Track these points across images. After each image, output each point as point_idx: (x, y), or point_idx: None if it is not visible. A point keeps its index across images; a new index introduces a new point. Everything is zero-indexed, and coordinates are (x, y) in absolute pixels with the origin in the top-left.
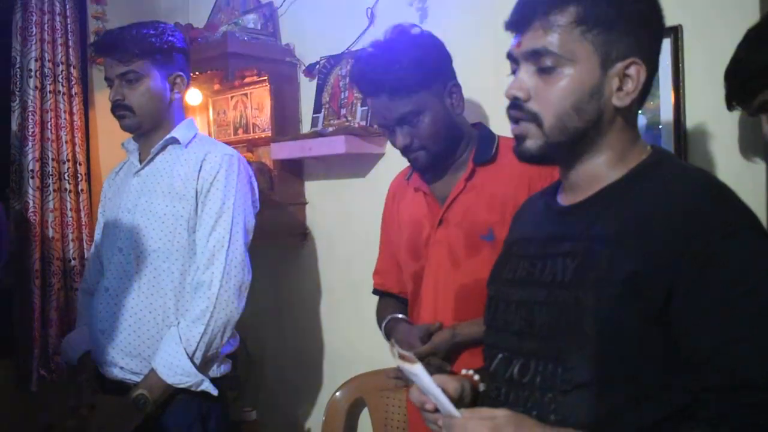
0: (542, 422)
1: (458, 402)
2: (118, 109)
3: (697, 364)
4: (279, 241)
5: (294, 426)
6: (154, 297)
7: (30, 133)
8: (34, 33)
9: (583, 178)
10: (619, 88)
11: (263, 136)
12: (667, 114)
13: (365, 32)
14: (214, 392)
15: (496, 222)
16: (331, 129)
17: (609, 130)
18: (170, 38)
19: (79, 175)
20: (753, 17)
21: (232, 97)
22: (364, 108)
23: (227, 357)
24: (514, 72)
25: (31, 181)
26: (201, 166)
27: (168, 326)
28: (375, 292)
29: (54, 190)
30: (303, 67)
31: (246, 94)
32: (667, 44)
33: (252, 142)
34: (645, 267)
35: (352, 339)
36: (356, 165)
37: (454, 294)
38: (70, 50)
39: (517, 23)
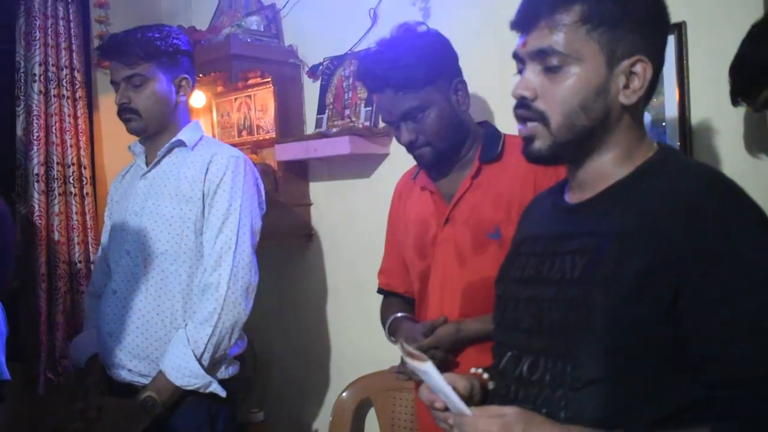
0: (552, 419)
1: (468, 400)
2: (125, 112)
3: (706, 360)
4: (284, 242)
5: (301, 427)
6: (162, 299)
7: (35, 137)
8: (38, 37)
9: (591, 176)
10: (626, 86)
11: (267, 137)
12: (671, 111)
13: (368, 33)
14: (223, 394)
15: (502, 220)
16: (335, 130)
17: (616, 128)
18: (175, 41)
19: (84, 178)
20: (757, 13)
21: (235, 99)
22: (368, 108)
23: (235, 359)
24: (520, 71)
25: (36, 185)
26: (207, 169)
27: (176, 328)
28: (380, 291)
29: (59, 194)
30: (306, 69)
31: (249, 96)
32: (671, 41)
33: (256, 143)
34: (653, 264)
35: (358, 339)
36: (361, 165)
37: (460, 292)
38: (74, 54)
39: (523, 23)
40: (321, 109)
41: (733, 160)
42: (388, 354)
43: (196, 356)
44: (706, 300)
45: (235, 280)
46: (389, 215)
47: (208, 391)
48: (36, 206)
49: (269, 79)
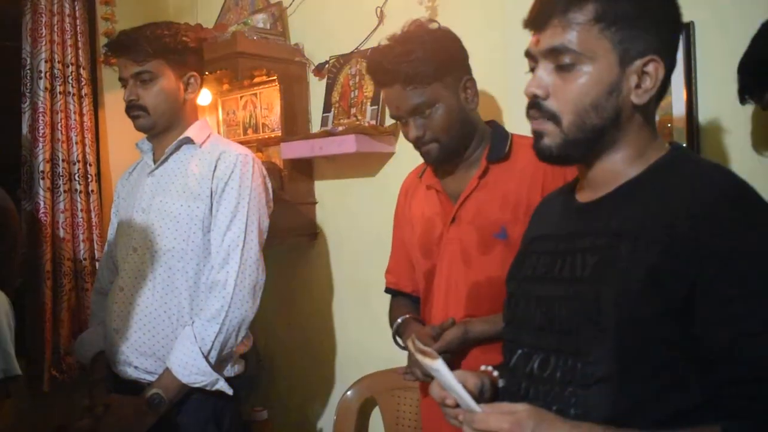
0: (562, 416)
1: (478, 397)
2: (133, 109)
3: (718, 357)
4: (289, 240)
5: (305, 425)
6: (169, 296)
7: (40, 134)
8: (43, 34)
9: (602, 176)
10: (638, 86)
11: (273, 135)
12: (679, 110)
13: (374, 31)
14: (229, 392)
15: (508, 220)
16: (341, 128)
17: (627, 128)
18: (184, 38)
19: (89, 175)
20: (766, 13)
21: (241, 97)
22: (374, 107)
23: (240, 357)
24: (532, 70)
25: (41, 182)
26: (216, 166)
27: (182, 325)
28: (388, 291)
29: (64, 191)
30: (312, 67)
31: (255, 94)
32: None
33: (262, 141)
34: (665, 262)
35: (363, 338)
36: (366, 164)
37: (465, 292)
38: (80, 51)
39: (536, 21)
40: (327, 107)
41: (741, 160)
42: (392, 353)
43: (203, 353)
44: (718, 298)
45: (243, 278)
46: (395, 214)
47: (215, 388)
48: (41, 203)
49: (275, 77)
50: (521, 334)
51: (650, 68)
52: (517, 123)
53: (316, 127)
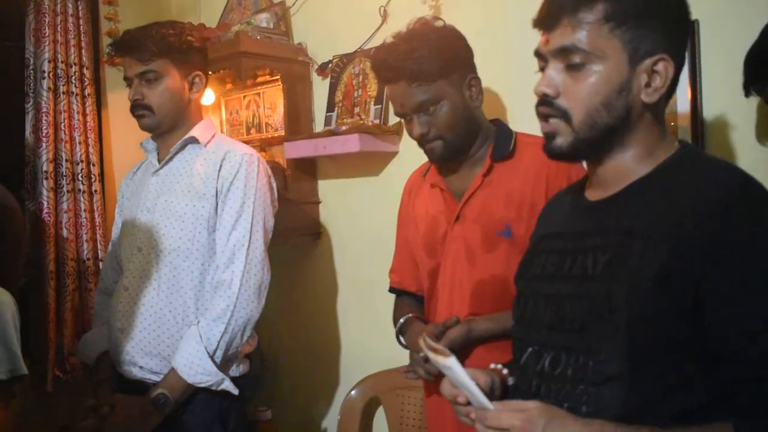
0: (574, 414)
1: (488, 395)
2: (138, 108)
3: (729, 356)
4: (293, 240)
5: (309, 425)
6: (174, 296)
7: (44, 134)
8: (47, 34)
9: (612, 174)
10: (648, 84)
11: (276, 135)
12: (684, 108)
13: (378, 30)
14: (235, 391)
15: (513, 218)
16: (344, 128)
17: (637, 126)
18: (189, 38)
19: (92, 175)
20: None
21: (244, 97)
22: (377, 106)
23: (245, 356)
24: (541, 69)
25: (45, 182)
26: (221, 166)
27: (187, 325)
28: (392, 290)
29: (68, 191)
30: (316, 66)
31: (259, 94)
32: None
33: (265, 141)
34: (676, 260)
35: (367, 338)
36: (370, 163)
37: (470, 291)
38: (83, 51)
39: (545, 21)
40: (330, 106)
41: (746, 157)
42: (396, 352)
43: (208, 353)
44: (728, 296)
45: (248, 277)
46: (399, 213)
47: (220, 388)
48: (45, 203)
49: (278, 77)
50: (531, 332)
51: (660, 67)
52: (521, 121)
53: (319, 126)
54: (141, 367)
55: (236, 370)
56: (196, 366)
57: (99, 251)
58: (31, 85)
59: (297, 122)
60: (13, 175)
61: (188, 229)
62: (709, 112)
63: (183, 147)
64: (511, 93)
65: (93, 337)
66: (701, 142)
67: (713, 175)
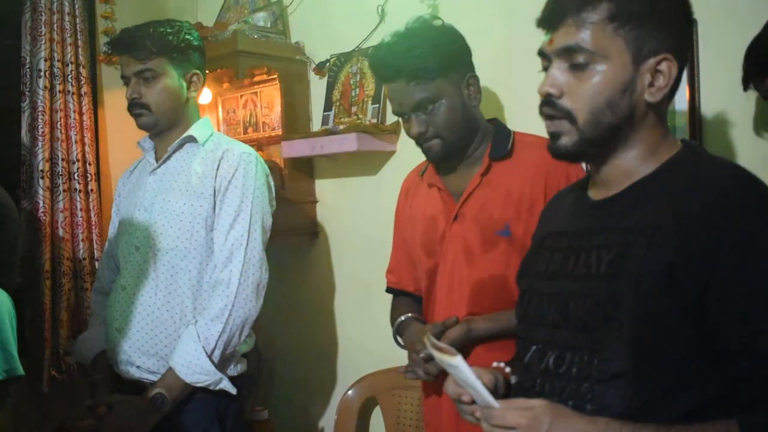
0: (578, 412)
1: (493, 394)
2: (135, 107)
3: (734, 353)
4: (290, 239)
5: (305, 425)
6: (172, 295)
7: (40, 133)
8: (43, 33)
9: (615, 173)
10: (651, 84)
11: (273, 134)
12: (681, 107)
13: (376, 30)
14: (233, 391)
15: (512, 218)
16: (342, 127)
17: (641, 126)
18: (187, 36)
19: (88, 174)
20: (766, 11)
21: (241, 96)
22: (375, 106)
23: (242, 356)
24: (545, 69)
25: (41, 181)
26: (219, 165)
27: (185, 325)
28: (389, 290)
29: (64, 190)
30: (313, 65)
31: (256, 93)
32: None
33: (262, 140)
34: (681, 258)
35: (364, 337)
36: (367, 163)
37: (468, 290)
38: (80, 50)
39: (549, 20)
40: (328, 106)
41: (744, 155)
42: (393, 352)
43: (206, 353)
44: (734, 294)
45: (246, 276)
46: (396, 213)
47: (218, 388)
48: (40, 203)
49: (275, 76)
50: (535, 330)
51: (663, 67)
52: (519, 121)
53: (316, 125)
54: (138, 367)
55: (234, 370)
56: (194, 365)
57: (95, 251)
58: (28, 83)
59: (294, 121)
60: (9, 174)
61: (186, 228)
62: (706, 111)
63: (181, 146)
64: (509, 92)
65: (90, 337)
66: (699, 141)
67: (717, 174)
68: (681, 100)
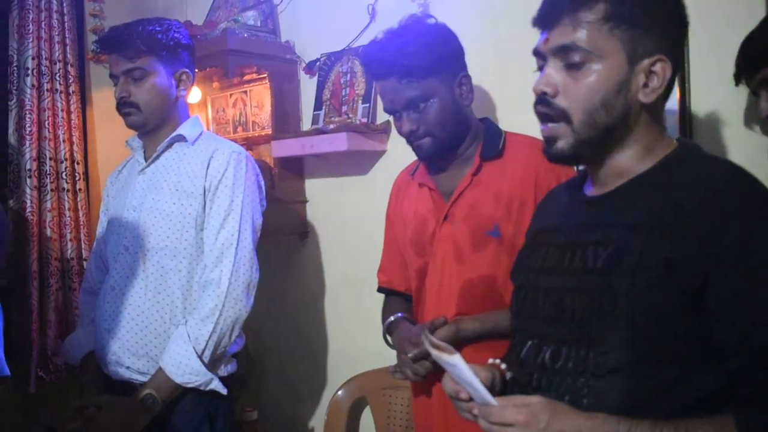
0: (575, 407)
1: (490, 391)
2: (124, 106)
3: (730, 348)
4: (280, 239)
5: (295, 426)
6: (162, 295)
7: (27, 132)
8: (31, 31)
9: (612, 172)
10: (645, 85)
11: (263, 134)
12: (671, 107)
13: (366, 29)
14: (224, 391)
15: (502, 218)
16: (332, 126)
17: (636, 126)
18: (176, 34)
19: (76, 174)
20: (756, 11)
21: (231, 95)
22: (365, 105)
23: (232, 356)
24: (540, 68)
25: (28, 180)
26: (209, 164)
27: (175, 325)
28: (381, 290)
29: (52, 190)
30: (303, 64)
31: (246, 92)
32: None
33: (252, 140)
34: (678, 253)
35: (354, 337)
36: (358, 162)
37: (458, 290)
38: (68, 48)
39: (545, 20)
40: (318, 105)
41: (736, 153)
42: (383, 352)
43: (197, 353)
44: (731, 288)
45: (237, 276)
46: (387, 212)
47: (209, 388)
48: (28, 202)
49: (265, 75)
50: (531, 325)
51: (658, 68)
52: (510, 121)
53: (307, 125)
54: (128, 368)
55: (225, 370)
56: (185, 366)
57: (83, 250)
58: (15, 82)
59: (284, 121)
60: None
61: (176, 228)
62: (696, 111)
63: (170, 145)
64: (501, 92)
65: (78, 338)
66: (690, 139)
67: (713, 171)
68: (671, 99)
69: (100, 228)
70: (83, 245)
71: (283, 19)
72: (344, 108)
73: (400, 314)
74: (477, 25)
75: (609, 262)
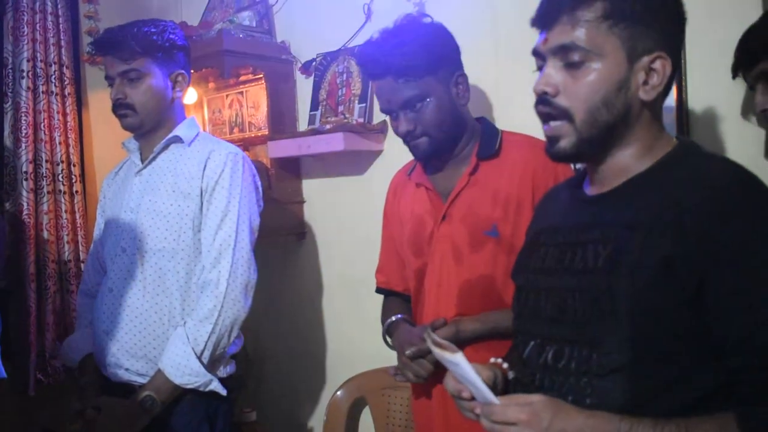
0: (578, 406)
1: (492, 390)
2: (120, 108)
3: (731, 347)
4: (277, 240)
5: (294, 426)
6: (160, 297)
7: (23, 134)
8: (25, 33)
9: (612, 171)
10: (645, 82)
11: (259, 134)
12: (669, 104)
13: (362, 29)
14: (223, 392)
15: (499, 217)
16: (328, 126)
17: (636, 124)
18: (172, 36)
19: (73, 176)
20: (753, 8)
21: (227, 96)
22: (362, 105)
23: (231, 357)
24: (539, 68)
25: (24, 183)
26: (206, 165)
27: (174, 326)
28: (379, 290)
29: (48, 192)
30: (299, 65)
31: (242, 93)
32: None
33: (248, 140)
34: (678, 252)
35: (352, 337)
36: (354, 163)
37: (456, 290)
38: (63, 50)
39: (544, 19)
40: (314, 105)
41: (732, 151)
42: (382, 352)
43: (196, 354)
44: (731, 287)
45: (235, 277)
46: (384, 213)
47: (208, 389)
48: (25, 205)
49: (261, 76)
50: (533, 326)
51: (657, 65)
52: (507, 120)
53: (303, 125)
54: (127, 369)
55: (224, 371)
56: (184, 367)
57: (80, 253)
58: (10, 84)
59: (280, 121)
60: None
61: (173, 229)
62: (694, 108)
63: (166, 146)
64: (498, 91)
65: (76, 340)
66: (687, 136)
67: (713, 170)
68: (668, 99)
69: (97, 230)
70: (80, 247)
71: (278, 19)
72: (340, 108)
73: (399, 315)
74: (473, 24)
75: (608, 262)
